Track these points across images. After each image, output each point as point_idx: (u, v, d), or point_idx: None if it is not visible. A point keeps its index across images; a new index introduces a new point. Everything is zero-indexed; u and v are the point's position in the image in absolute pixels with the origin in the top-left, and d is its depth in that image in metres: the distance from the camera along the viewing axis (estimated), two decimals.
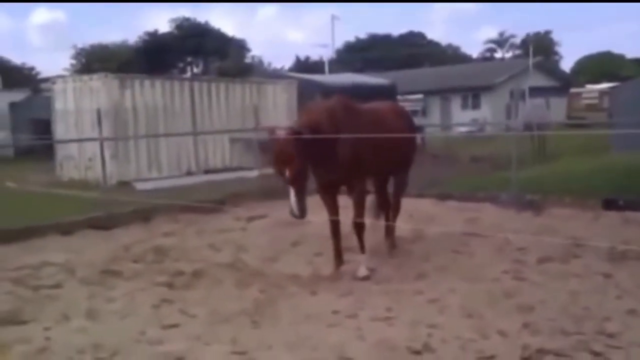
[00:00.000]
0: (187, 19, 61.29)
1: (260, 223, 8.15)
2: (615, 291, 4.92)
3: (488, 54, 69.16)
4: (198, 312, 4.79)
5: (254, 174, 11.60)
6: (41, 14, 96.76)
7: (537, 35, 62.44)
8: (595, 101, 46.09)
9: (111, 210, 8.51)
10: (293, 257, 6.33)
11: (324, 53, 50.30)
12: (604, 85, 42.73)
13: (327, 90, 17.34)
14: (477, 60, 64.01)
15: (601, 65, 59.83)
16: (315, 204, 9.50)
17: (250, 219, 8.34)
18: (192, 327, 4.49)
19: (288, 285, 5.35)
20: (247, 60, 61.65)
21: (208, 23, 61.99)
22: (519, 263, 5.84)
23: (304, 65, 58.80)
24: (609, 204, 8.14)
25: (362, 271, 5.60)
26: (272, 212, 8.60)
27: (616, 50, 66.53)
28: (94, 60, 48.84)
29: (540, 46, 52.82)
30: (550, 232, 7.02)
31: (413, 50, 61.35)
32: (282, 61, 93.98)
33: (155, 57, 53.72)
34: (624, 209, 7.89)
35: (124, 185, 13.01)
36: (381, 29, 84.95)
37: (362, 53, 61.42)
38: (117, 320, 4.70)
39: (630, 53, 67.22)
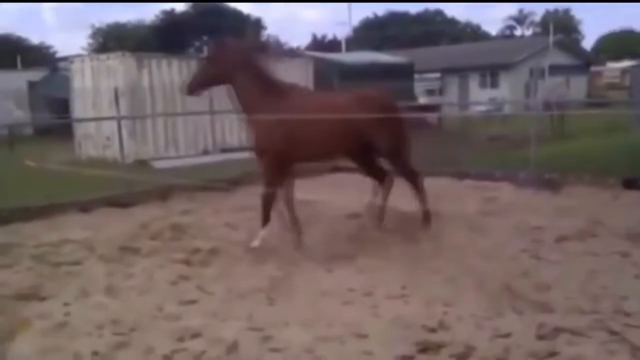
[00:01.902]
0: None
1: (276, 203, 8.15)
2: (633, 270, 4.89)
3: (508, 32, 68.17)
4: (215, 288, 4.83)
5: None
6: None
7: (557, 12, 61.34)
8: (617, 80, 45.40)
9: (129, 188, 8.58)
10: (308, 235, 6.33)
11: (341, 31, 49.95)
12: (626, 64, 42.01)
13: (344, 69, 17.27)
14: (497, 38, 63.11)
15: (623, 43, 58.77)
16: (328, 183, 9.53)
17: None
18: (209, 303, 4.54)
19: (303, 263, 5.38)
20: (263, 39, 61.40)
21: (224, 4, 61.71)
22: (536, 242, 5.81)
23: (320, 44, 58.43)
24: (629, 183, 8.04)
25: (255, 242, 5.89)
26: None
27: (639, 28, 65.16)
28: (111, 39, 49.04)
29: (561, 24, 51.90)
30: (569, 211, 6.96)
31: (431, 28, 60.65)
32: (299, 40, 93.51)
33: (172, 36, 53.75)
34: None
35: (142, 163, 13.10)
36: (399, 7, 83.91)
37: (379, 31, 60.84)
38: (135, 296, 4.76)
39: None
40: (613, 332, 3.70)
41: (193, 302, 4.59)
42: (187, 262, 5.57)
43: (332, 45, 50.77)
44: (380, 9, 73.11)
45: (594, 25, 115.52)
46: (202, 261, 5.59)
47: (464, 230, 6.30)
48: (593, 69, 42.75)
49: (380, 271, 5.10)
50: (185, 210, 7.86)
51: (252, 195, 8.45)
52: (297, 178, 8.86)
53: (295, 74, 17.26)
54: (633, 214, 6.70)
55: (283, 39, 65.93)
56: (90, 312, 4.42)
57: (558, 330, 3.75)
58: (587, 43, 62.47)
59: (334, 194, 8.52)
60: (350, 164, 9.80)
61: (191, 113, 14.49)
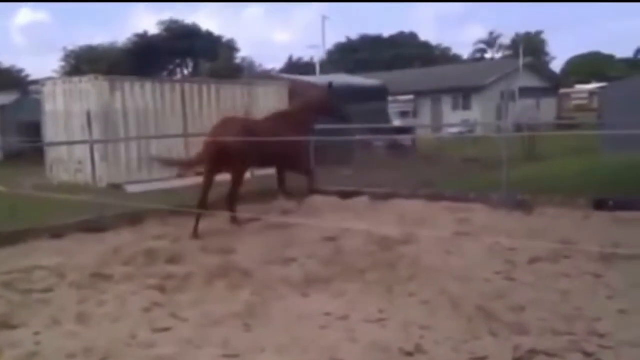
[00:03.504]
0: (175, 21, 61.17)
1: (252, 226, 8.13)
2: (605, 291, 4.96)
3: (478, 55, 69.44)
4: (189, 315, 4.77)
5: (246, 176, 11.56)
6: (25, 14, 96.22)
7: (526, 35, 62.73)
8: (585, 101, 46.44)
9: (102, 213, 8.46)
10: (285, 259, 6.31)
11: (315, 54, 50.35)
12: (594, 86, 43.02)
13: None
14: (468, 60, 64.23)
15: (591, 66, 60.25)
16: (304, 206, 9.54)
17: (242, 221, 8.32)
18: (184, 330, 4.47)
19: (280, 288, 5.34)
20: (238, 61, 61.58)
21: (196, 24, 61.89)
22: (510, 263, 5.86)
23: (295, 67, 58.83)
24: (599, 204, 8.19)
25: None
26: (264, 214, 8.59)
27: (605, 50, 66.99)
28: (84, 62, 48.68)
29: (530, 47, 53.07)
30: (541, 232, 7.06)
31: (404, 51, 61.48)
32: (273, 62, 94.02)
33: (145, 59, 53.60)
34: (614, 209, 7.94)
35: (115, 188, 12.95)
36: (372, 30, 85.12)
37: (353, 54, 61.50)
38: (107, 324, 4.67)
39: (619, 53, 67.60)
40: (587, 354, 3.74)
41: (167, 329, 4.52)
42: (161, 288, 5.49)
43: (307, 68, 51.14)
44: (354, 33, 73.96)
45: (562, 48, 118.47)
46: (176, 287, 5.52)
47: (439, 253, 6.34)
48: (562, 91, 43.69)
49: (356, 295, 5.09)
50: (159, 235, 7.77)
51: (227, 220, 8.44)
52: (275, 200, 8.89)
53: (270, 97, 17.34)
54: (604, 234, 6.82)
55: (257, 61, 66.08)
56: (61, 340, 4.32)
57: (533, 352, 3.78)
58: (556, 66, 63.90)
59: (310, 217, 8.52)
60: (326, 187, 9.93)
61: (165, 136, 14.42)
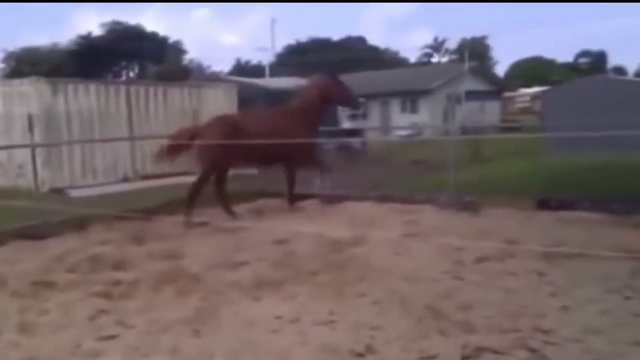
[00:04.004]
0: (119, 23, 59.94)
1: (201, 230, 8.03)
2: (549, 289, 5.09)
3: (425, 59, 70.73)
4: (136, 322, 4.65)
5: (194, 179, 11.39)
6: None
7: (471, 40, 64.30)
8: (528, 104, 47.85)
9: (44, 219, 8.18)
10: (234, 264, 6.24)
11: (264, 56, 50.21)
12: (536, 89, 44.34)
13: (268, 94, 17.32)
14: (415, 64, 65.31)
15: (533, 70, 62.14)
16: (253, 209, 9.48)
17: (190, 225, 8.20)
18: (131, 337, 4.36)
19: (229, 292, 5.28)
20: (185, 63, 60.78)
21: (140, 26, 60.84)
22: (457, 263, 5.96)
23: (243, 69, 58.53)
24: (542, 204, 8.43)
25: None
26: (213, 218, 8.48)
27: (547, 55, 69.28)
28: (24, 64, 47.12)
29: (475, 51, 54.37)
30: (487, 232, 7.21)
31: (353, 55, 62.00)
32: (221, 64, 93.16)
33: (90, 61, 52.32)
34: (557, 209, 8.19)
35: (57, 192, 12.55)
36: (320, 33, 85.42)
37: (303, 56, 61.62)
38: (51, 333, 4.51)
39: (561, 58, 70.07)
40: (532, 350, 3.83)
41: (113, 337, 4.39)
42: (107, 295, 5.34)
43: (256, 70, 50.93)
44: (303, 36, 74.14)
45: (506, 52, 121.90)
46: (122, 293, 5.38)
47: (389, 254, 6.40)
48: (506, 94, 44.91)
49: (307, 298, 5.07)
50: (104, 241, 7.57)
51: (173, 224, 8.30)
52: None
53: (219, 99, 17.18)
54: (547, 234, 7.02)
55: (205, 63, 65.41)
56: (3, 351, 4.15)
57: (481, 350, 3.85)
58: (500, 70, 65.73)
59: (259, 219, 8.47)
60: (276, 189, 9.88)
61: (110, 139, 14.09)
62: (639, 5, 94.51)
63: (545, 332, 4.12)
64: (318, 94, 9.28)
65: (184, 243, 7.32)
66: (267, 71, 41.12)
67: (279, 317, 4.62)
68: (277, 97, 17.13)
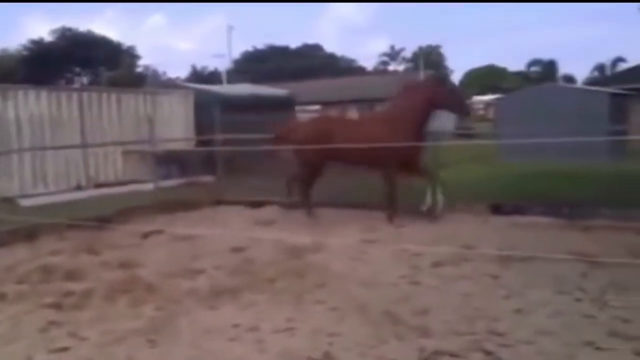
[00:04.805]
0: (69, 29, 58.67)
1: (156, 238, 7.89)
2: (502, 291, 5.19)
3: (382, 67, 71.53)
4: (89, 333, 4.53)
5: (149, 187, 11.24)
6: None
7: (427, 49, 65.35)
8: (482, 112, 48.80)
9: None
10: (191, 272, 6.16)
11: (221, 63, 49.88)
12: (489, 97, 45.28)
13: (225, 101, 17.17)
14: (372, 72, 65.96)
15: (486, 78, 63.49)
16: (210, 217, 9.38)
17: (145, 234, 8.05)
18: (83, 349, 4.24)
19: (186, 301, 5.20)
20: (140, 69, 59.87)
21: (91, 31, 59.66)
22: (414, 268, 6.03)
23: (200, 76, 58.03)
24: (496, 209, 8.60)
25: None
26: (168, 226, 8.36)
27: (499, 63, 70.89)
28: None
29: (430, 60, 55.30)
30: (444, 237, 7.30)
31: (310, 62, 62.24)
32: (177, 71, 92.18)
33: (41, 67, 50.96)
34: (510, 214, 8.36)
35: (7, 201, 12.15)
36: (279, 41, 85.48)
37: (260, 64, 61.52)
38: (1, 346, 4.35)
39: (512, 66, 71.89)
40: (487, 352, 3.89)
41: (65, 349, 4.27)
42: (58, 306, 5.18)
43: (212, 77, 50.56)
44: (260, 43, 74.06)
45: (460, 61, 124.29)
46: (74, 304, 5.23)
47: (347, 260, 6.41)
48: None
49: (265, 305, 5.04)
50: (55, 251, 7.36)
51: (127, 233, 8.15)
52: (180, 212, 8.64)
53: (175, 106, 16.95)
54: (500, 238, 7.16)
55: (160, 69, 64.55)
56: None
57: (437, 354, 3.89)
58: (455, 78, 66.96)
59: (216, 227, 8.38)
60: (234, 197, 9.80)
61: (62, 147, 13.73)
62: (585, 17, 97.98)
63: (499, 334, 4.19)
64: (428, 97, 8.65)
65: (138, 252, 7.19)
66: (224, 78, 40.85)
67: (236, 326, 4.57)
68: (235, 104, 17.05)
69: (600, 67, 63.29)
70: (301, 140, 8.75)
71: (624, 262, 5.65)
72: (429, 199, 8.60)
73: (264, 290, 5.43)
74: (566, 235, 7.22)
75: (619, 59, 58.38)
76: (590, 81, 46.76)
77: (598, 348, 3.91)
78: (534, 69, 71.10)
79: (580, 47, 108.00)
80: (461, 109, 9.14)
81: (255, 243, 7.11)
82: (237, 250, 7.00)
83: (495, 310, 4.69)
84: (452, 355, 3.87)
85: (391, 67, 71.43)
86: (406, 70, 61.22)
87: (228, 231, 7.87)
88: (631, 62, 42.66)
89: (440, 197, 8.53)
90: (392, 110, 9.03)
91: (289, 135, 9.10)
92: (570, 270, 5.65)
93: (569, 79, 62.70)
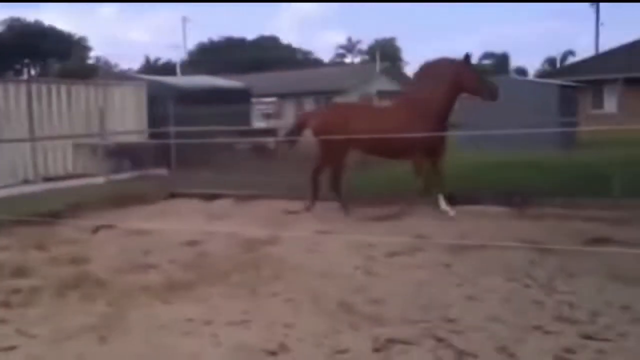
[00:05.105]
0: (17, 19, 56.82)
1: (107, 233, 7.73)
2: (455, 280, 5.29)
3: (338, 59, 71.64)
4: (39, 331, 4.41)
5: (100, 181, 11.01)
6: None
7: (382, 41, 65.76)
8: None
9: None
10: (144, 267, 6.06)
11: (175, 54, 49.16)
12: None
13: (180, 93, 16.92)
14: (329, 64, 66.02)
15: None
16: (162, 210, 9.25)
17: (96, 229, 7.88)
18: (33, 347, 4.12)
19: (138, 296, 5.11)
20: (91, 61, 58.45)
21: (41, 22, 57.92)
22: (369, 259, 6.08)
23: (153, 67, 57.03)
24: (450, 199, 8.71)
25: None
26: (120, 221, 8.20)
27: (454, 56, 71.67)
28: None
29: (386, 52, 55.60)
30: (398, 227, 7.39)
31: (267, 54, 61.86)
32: (130, 62, 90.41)
33: None
34: (462, 203, 8.49)
35: None
36: (235, 32, 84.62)
37: (215, 55, 60.81)
38: None
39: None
40: (440, 339, 3.95)
41: (13, 347, 4.14)
42: (6, 304, 5.02)
43: (166, 68, 49.75)
44: (216, 35, 73.21)
45: (415, 54, 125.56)
46: (22, 302, 5.08)
47: (302, 252, 6.43)
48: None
49: (220, 298, 5.00)
50: (3, 247, 7.13)
51: (77, 228, 7.96)
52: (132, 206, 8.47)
53: (128, 98, 16.62)
54: (453, 227, 7.28)
55: (112, 60, 63.08)
56: None
57: (391, 342, 3.93)
58: (410, 71, 67.67)
59: (170, 221, 8.27)
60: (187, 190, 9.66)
61: (9, 140, 13.30)
62: (537, 12, 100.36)
63: (451, 321, 4.27)
64: (451, 81, 8.20)
65: (89, 247, 7.03)
66: (178, 69, 40.25)
67: (190, 320, 4.52)
68: (189, 96, 16.82)
69: (550, 60, 64.86)
70: (322, 128, 8.46)
71: (571, 249, 5.83)
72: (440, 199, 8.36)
73: (218, 284, 5.38)
74: (516, 224, 7.40)
75: (569, 52, 59.94)
76: (541, 74, 47.88)
77: (546, 332, 4.02)
78: (487, 62, 72.33)
79: (532, 40, 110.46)
80: (490, 92, 8.43)
81: (210, 236, 7.04)
82: (191, 244, 6.92)
83: (447, 298, 4.77)
84: (405, 343, 3.92)
85: (348, 60, 71.64)
86: (363, 62, 61.45)
87: (182, 225, 7.77)
88: (580, 56, 43.88)
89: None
90: (415, 95, 8.57)
91: (308, 123, 8.91)
92: (519, 258, 5.80)
93: (521, 71, 64.03)
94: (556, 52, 68.07)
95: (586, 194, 8.28)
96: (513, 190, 8.85)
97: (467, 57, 8.30)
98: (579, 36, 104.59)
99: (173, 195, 10.30)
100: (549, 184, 9.10)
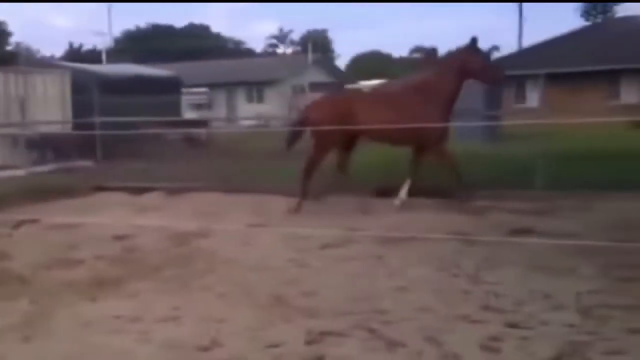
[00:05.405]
0: None
1: (30, 228, 7.41)
2: (386, 271, 5.39)
3: (270, 49, 71.23)
4: None
5: (21, 173, 10.52)
6: None
7: (314, 33, 65.89)
8: None
9: None
10: (69, 262, 5.84)
11: (101, 41, 47.55)
12: (374, 82, 46.44)
13: (105, 81, 16.39)
14: (261, 54, 65.55)
15: (372, 64, 65.04)
16: (90, 204, 8.95)
17: (17, 224, 7.54)
18: None
19: (64, 293, 4.92)
20: (11, 47, 55.59)
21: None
22: (302, 251, 6.10)
23: (77, 54, 54.88)
24: (380, 192, 8.86)
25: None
26: (43, 215, 7.87)
27: (385, 50, 72.94)
28: None
29: (318, 44, 55.75)
30: (331, 219, 7.44)
31: (196, 42, 60.69)
32: (52, 49, 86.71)
33: None
34: (394, 196, 8.63)
35: None
36: (163, 19, 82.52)
37: (143, 43, 59.11)
38: None
39: (396, 52, 74.15)
40: (371, 330, 4.02)
41: None
42: None
43: (91, 55, 48.00)
44: (142, 22, 71.20)
45: (347, 46, 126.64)
46: None
47: (235, 245, 6.38)
48: (347, 86, 46.60)
49: (150, 294, 4.89)
50: None
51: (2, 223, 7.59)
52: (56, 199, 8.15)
53: (50, 86, 15.93)
54: (385, 220, 7.41)
55: (34, 46, 60.18)
56: None
57: (324, 334, 3.96)
58: (342, 63, 68.11)
59: (97, 215, 8.02)
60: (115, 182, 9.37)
61: None
62: (465, 7, 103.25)
63: (383, 312, 4.34)
64: (457, 66, 8.05)
65: (10, 243, 6.72)
66: (103, 57, 38.93)
67: (119, 317, 4.41)
68: (115, 84, 16.32)
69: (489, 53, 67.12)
70: (324, 118, 8.08)
71: (497, 240, 6.06)
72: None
73: (148, 279, 5.27)
74: (445, 216, 7.60)
75: (494, 48, 62.05)
76: None
77: (473, 321, 4.16)
78: (416, 55, 73.79)
79: (462, 35, 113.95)
80: (495, 77, 8.43)
81: (139, 230, 6.88)
82: (119, 238, 6.74)
83: (379, 290, 4.85)
84: (338, 335, 3.96)
85: (280, 50, 71.33)
86: (295, 53, 61.34)
87: (109, 219, 7.55)
88: (504, 51, 45.44)
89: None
90: (422, 82, 8.47)
91: (311, 113, 8.49)
92: (448, 249, 5.97)
93: None
94: (484, 47, 70.34)
95: (511, 186, 8.60)
96: (442, 182, 9.05)
97: (474, 41, 8.14)
98: (504, 32, 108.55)
99: (99, 189, 9.98)
100: (475, 176, 9.37)
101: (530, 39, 57.79)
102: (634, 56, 25.15)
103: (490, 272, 5.27)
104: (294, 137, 8.64)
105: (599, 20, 46.31)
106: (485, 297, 4.62)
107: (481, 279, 5.08)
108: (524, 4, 43.35)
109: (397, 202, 8.19)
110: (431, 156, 8.22)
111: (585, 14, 50.59)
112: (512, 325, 4.04)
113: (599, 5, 50.36)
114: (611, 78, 26.27)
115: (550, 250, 5.74)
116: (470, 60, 8.01)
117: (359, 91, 9.05)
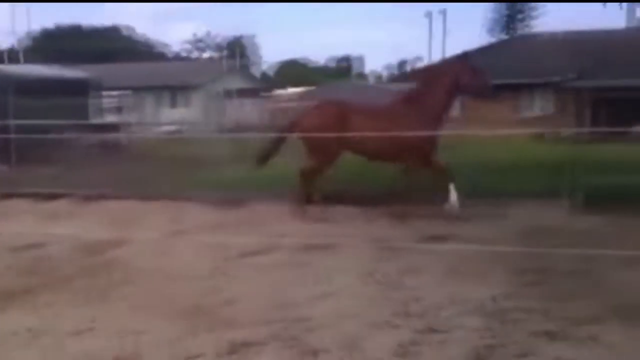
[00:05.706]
0: None
1: None
2: (310, 278, 5.39)
3: (195, 54, 69.93)
4: None
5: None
6: None
7: (235, 38, 65.45)
8: (289, 104, 50.12)
9: None
10: None
11: (4, 42, 45.04)
12: (299, 90, 46.75)
13: (5, 83, 15.41)
14: (183, 58, 64.26)
15: (292, 72, 65.39)
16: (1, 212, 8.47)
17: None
18: None
19: None
20: None
21: None
22: (224, 259, 6.02)
23: None
24: (308, 199, 8.83)
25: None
26: None
27: (305, 57, 73.52)
28: None
29: (239, 49, 55.35)
30: (254, 227, 7.39)
31: (116, 44, 58.69)
32: None
33: None
34: (321, 204, 8.65)
35: None
36: (75, 19, 78.87)
37: (54, 43, 56.43)
38: None
39: (316, 61, 74.82)
40: (294, 338, 4.02)
41: None
42: None
43: (9, 55, 45.37)
44: (58, 21, 67.93)
45: (268, 53, 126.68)
46: None
47: (154, 254, 6.22)
48: (269, 94, 46.61)
49: (63, 306, 4.69)
50: None
51: None
52: None
53: None
54: (309, 226, 7.43)
55: None
56: None
57: (246, 344, 3.92)
58: (260, 70, 68.11)
59: (5, 223, 7.61)
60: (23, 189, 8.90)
61: None
62: (388, 18, 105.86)
63: (305, 320, 4.35)
64: (450, 80, 8.05)
65: None
66: (4, 57, 36.91)
67: (30, 330, 4.20)
68: (23, 86, 15.45)
69: (389, 66, 69.52)
70: (315, 126, 7.96)
71: (417, 247, 6.22)
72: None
73: (61, 290, 5.06)
74: (370, 223, 7.68)
75: (418, 58, 64.15)
76: (394, 78, 50.34)
77: (394, 326, 4.24)
78: (336, 64, 74.83)
79: (387, 45, 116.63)
80: (484, 92, 8.48)
81: (51, 239, 6.58)
82: (29, 247, 6.43)
83: (301, 297, 4.86)
84: (260, 344, 3.94)
85: (198, 55, 70.00)
86: (212, 58, 60.37)
87: (19, 227, 7.17)
88: (427, 61, 46.57)
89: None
90: (411, 93, 8.47)
91: (301, 121, 8.32)
92: (371, 256, 6.06)
93: (361, 76, 67.64)
94: (396, 58, 72.75)
95: (432, 193, 8.79)
96: (367, 190, 9.15)
97: (465, 55, 8.35)
98: (416, 43, 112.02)
99: (9, 195, 9.46)
100: (398, 184, 9.53)
101: (455, 48, 59.04)
102: (543, 71, 26.32)
103: (411, 277, 5.39)
104: (276, 146, 8.52)
105: (504, 36, 47.66)
106: (406, 303, 4.71)
107: (402, 285, 5.19)
108: (448, 15, 44.53)
109: (449, 206, 8.00)
110: (422, 166, 8.24)
111: (491, 31, 52.48)
112: (431, 330, 4.15)
113: (505, 20, 52.34)
114: (527, 91, 27.32)
115: (467, 256, 5.95)
116: (463, 73, 8.10)
117: (352, 101, 8.68)
